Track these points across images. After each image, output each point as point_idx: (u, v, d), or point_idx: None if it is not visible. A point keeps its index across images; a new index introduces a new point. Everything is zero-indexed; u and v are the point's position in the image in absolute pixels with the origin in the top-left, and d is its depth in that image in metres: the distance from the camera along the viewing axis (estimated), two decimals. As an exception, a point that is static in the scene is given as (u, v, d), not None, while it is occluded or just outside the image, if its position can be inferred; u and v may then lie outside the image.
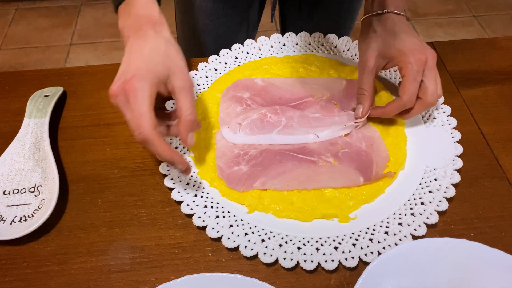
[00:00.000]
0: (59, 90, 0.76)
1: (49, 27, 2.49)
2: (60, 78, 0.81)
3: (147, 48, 0.56)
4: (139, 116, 0.53)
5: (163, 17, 0.60)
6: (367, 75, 0.67)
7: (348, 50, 0.83)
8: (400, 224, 0.59)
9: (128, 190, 0.65)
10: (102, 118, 0.75)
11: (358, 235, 0.59)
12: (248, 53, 0.82)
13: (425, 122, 0.71)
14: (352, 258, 0.56)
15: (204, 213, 0.61)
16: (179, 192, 0.63)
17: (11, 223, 0.59)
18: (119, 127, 0.73)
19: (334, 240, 0.58)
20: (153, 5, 0.60)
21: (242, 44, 0.83)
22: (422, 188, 0.63)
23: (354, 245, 0.58)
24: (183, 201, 0.62)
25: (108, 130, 0.73)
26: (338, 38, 0.83)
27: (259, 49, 0.83)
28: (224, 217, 0.60)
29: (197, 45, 0.98)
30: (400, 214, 0.60)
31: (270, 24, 1.07)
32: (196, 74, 0.78)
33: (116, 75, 0.56)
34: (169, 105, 0.74)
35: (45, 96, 0.75)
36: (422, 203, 0.61)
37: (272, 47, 0.83)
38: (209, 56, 0.81)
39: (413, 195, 0.62)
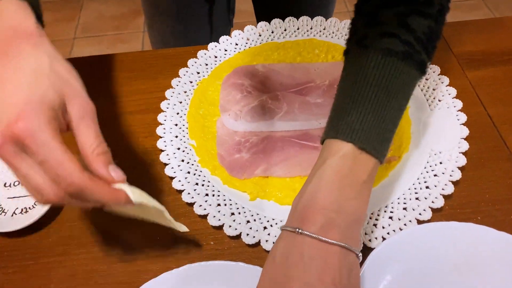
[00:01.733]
0: None
1: (52, 21, 2.48)
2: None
3: (27, 69, 0.41)
4: (57, 165, 0.39)
5: (42, 29, 0.45)
6: None
7: (350, 33, 0.81)
8: (404, 208, 0.58)
9: (129, 180, 0.64)
10: (102, 110, 0.72)
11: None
12: (248, 39, 0.81)
13: (429, 105, 0.69)
14: (356, 244, 0.55)
15: (205, 201, 0.60)
16: (180, 181, 0.62)
17: (12, 215, 0.59)
18: (121, 117, 0.72)
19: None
20: (25, 13, 0.44)
21: (242, 30, 0.82)
22: (427, 172, 0.62)
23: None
24: (184, 189, 0.61)
25: (110, 121, 0.72)
26: (340, 22, 0.82)
27: (260, 35, 0.81)
28: (225, 205, 0.60)
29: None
30: (404, 198, 0.59)
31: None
32: (195, 62, 0.77)
33: None
34: (164, 105, 0.72)
35: None
36: (427, 187, 0.60)
37: (272, 32, 0.82)
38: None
39: (417, 179, 0.61)
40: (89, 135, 0.43)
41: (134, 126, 0.71)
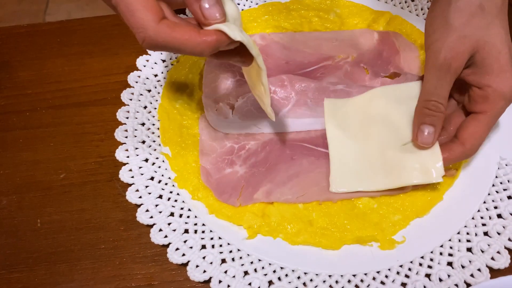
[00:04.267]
0: None
1: (24, -29, 2.22)
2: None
3: None
4: (126, 11, 0.32)
5: None
6: (448, 77, 0.42)
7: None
8: (469, 250, 0.41)
9: (78, 204, 0.47)
10: (44, 99, 0.54)
11: (409, 269, 0.41)
12: None
13: None
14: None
15: (184, 242, 0.42)
16: (147, 210, 0.44)
17: None
18: (67, 111, 0.53)
19: (374, 279, 0.40)
20: None
21: None
22: (497, 192, 0.44)
23: (404, 285, 0.40)
24: (154, 224, 0.43)
25: (52, 116, 0.53)
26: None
27: None
28: (213, 247, 0.42)
29: None
30: (468, 233, 0.42)
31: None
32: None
33: None
34: (125, 96, 0.53)
35: None
36: (499, 216, 0.43)
37: None
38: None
39: (484, 202, 0.44)
40: None
41: (86, 123, 0.52)
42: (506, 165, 0.45)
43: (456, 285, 0.39)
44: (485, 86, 0.41)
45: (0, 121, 0.53)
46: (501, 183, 0.45)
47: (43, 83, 0.55)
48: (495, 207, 0.43)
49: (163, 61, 0.55)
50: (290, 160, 0.46)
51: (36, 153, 0.50)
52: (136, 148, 0.48)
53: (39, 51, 0.58)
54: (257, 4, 0.60)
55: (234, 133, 0.49)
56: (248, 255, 0.42)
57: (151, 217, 0.44)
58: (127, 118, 0.50)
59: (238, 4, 0.60)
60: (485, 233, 0.42)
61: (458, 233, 0.42)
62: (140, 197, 0.45)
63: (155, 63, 0.55)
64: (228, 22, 0.34)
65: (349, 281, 0.40)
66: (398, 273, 0.40)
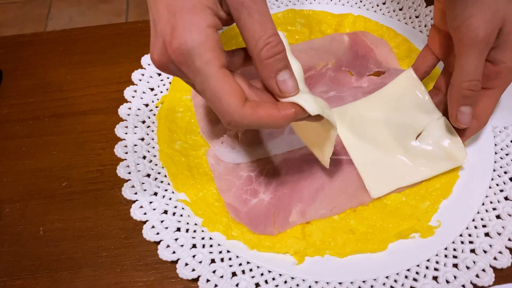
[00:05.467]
0: None
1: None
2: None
3: None
4: (215, 100, 0.32)
5: None
6: (477, 52, 0.41)
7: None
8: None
9: (80, 212, 0.46)
10: (46, 107, 0.54)
11: (454, 249, 0.42)
12: None
13: None
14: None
15: (236, 285, 0.41)
16: (187, 264, 0.42)
17: None
18: (70, 119, 0.53)
19: (427, 267, 0.41)
20: None
21: None
22: (501, 158, 0.47)
23: (456, 265, 0.41)
24: (200, 276, 0.41)
25: (55, 124, 0.53)
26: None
27: None
28: (266, 282, 0.41)
29: None
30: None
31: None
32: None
33: (151, 32, 0.34)
34: (123, 111, 0.52)
35: None
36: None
37: None
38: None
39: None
40: (251, 29, 0.32)
41: (88, 132, 0.52)
42: (499, 132, 0.49)
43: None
44: (500, 62, 0.42)
45: (3, 129, 0.53)
46: (501, 149, 0.47)
47: (45, 92, 0.55)
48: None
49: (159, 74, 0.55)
50: (310, 175, 0.46)
51: (38, 161, 0.50)
52: (143, 183, 0.46)
53: (42, 60, 0.58)
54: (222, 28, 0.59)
55: (246, 162, 0.47)
56: (303, 280, 0.41)
57: (193, 270, 0.41)
58: (126, 133, 0.50)
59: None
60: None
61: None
62: (174, 252, 0.42)
63: (151, 77, 0.55)
64: (301, 92, 0.35)
65: (406, 277, 0.41)
66: (446, 256, 0.42)
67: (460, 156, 0.45)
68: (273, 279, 0.41)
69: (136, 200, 0.45)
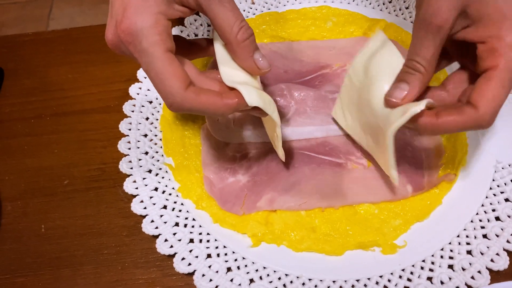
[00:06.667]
0: None
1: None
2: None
3: None
4: (158, 81, 0.34)
5: None
6: (431, 36, 0.37)
7: (373, -3, 0.61)
8: (469, 252, 0.42)
9: (82, 210, 0.47)
10: (48, 106, 0.55)
11: (411, 273, 0.41)
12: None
13: None
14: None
15: (190, 251, 0.43)
16: (152, 221, 0.44)
17: None
18: (71, 118, 0.54)
19: (377, 283, 0.41)
20: None
21: None
22: (494, 194, 0.45)
23: (451, 266, 0.41)
24: (160, 234, 0.44)
25: (56, 123, 0.54)
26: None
27: (253, 3, 0.61)
28: (218, 255, 0.43)
29: None
30: (467, 236, 0.43)
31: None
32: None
33: (108, 14, 0.36)
34: (127, 108, 0.53)
35: None
36: (497, 218, 0.44)
37: None
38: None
39: (482, 206, 0.44)
40: (225, 16, 0.35)
41: (89, 131, 0.53)
42: (502, 168, 0.46)
43: (458, 287, 0.40)
44: (488, 38, 0.36)
45: (5, 128, 0.53)
46: (498, 186, 0.45)
47: (47, 91, 0.56)
48: (493, 210, 0.44)
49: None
50: (292, 168, 0.47)
51: (40, 160, 0.51)
52: (140, 160, 0.48)
53: (44, 59, 0.59)
54: (254, 14, 0.60)
55: (235, 143, 0.49)
56: (253, 263, 0.42)
57: (156, 227, 0.44)
58: (130, 130, 0.51)
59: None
60: (484, 236, 0.43)
61: (458, 236, 0.43)
62: (145, 208, 0.45)
63: (148, 89, 0.55)
64: (247, 85, 0.37)
65: (352, 286, 0.41)
66: (400, 277, 0.41)
67: (415, 107, 0.37)
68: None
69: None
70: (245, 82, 0.38)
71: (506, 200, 0.45)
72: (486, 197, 0.45)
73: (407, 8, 0.59)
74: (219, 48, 0.39)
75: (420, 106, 0.35)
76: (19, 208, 0.48)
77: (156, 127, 0.51)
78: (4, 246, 0.45)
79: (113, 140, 0.50)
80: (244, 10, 0.61)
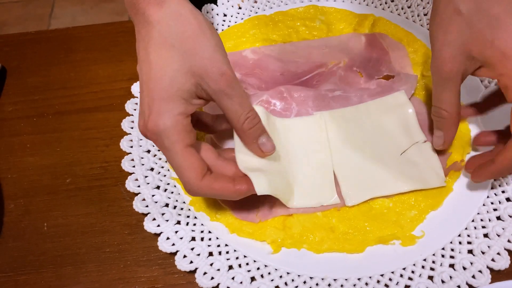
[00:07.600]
0: None
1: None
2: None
3: (153, 50, 0.39)
4: (178, 172, 0.39)
5: None
6: (445, 82, 0.42)
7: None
8: (470, 251, 0.42)
9: (84, 208, 0.48)
10: (50, 104, 0.55)
11: (433, 262, 0.42)
12: (225, 15, 0.60)
13: (486, 87, 0.52)
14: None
15: (211, 265, 0.42)
16: (168, 238, 0.44)
17: None
18: (73, 116, 0.54)
19: (401, 276, 0.41)
20: None
21: (215, 3, 0.61)
22: (495, 194, 0.45)
23: (431, 278, 0.41)
24: (178, 251, 0.43)
25: (58, 121, 0.54)
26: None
27: (239, 7, 0.61)
28: (240, 266, 0.42)
29: None
30: (468, 236, 0.43)
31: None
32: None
33: (139, 107, 0.40)
34: (129, 106, 0.53)
35: None
36: (498, 218, 0.43)
37: (256, 1, 0.61)
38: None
39: (484, 205, 0.44)
40: (236, 109, 0.40)
41: (92, 129, 0.53)
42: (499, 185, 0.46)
43: (458, 286, 0.40)
44: (499, 76, 0.39)
45: (8, 126, 0.54)
46: (499, 185, 0.45)
47: (49, 89, 0.56)
48: (495, 209, 0.44)
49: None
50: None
51: (42, 158, 0.51)
52: (142, 158, 0.48)
53: (46, 57, 0.59)
54: (242, 19, 0.60)
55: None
56: (276, 269, 0.42)
57: (173, 244, 0.43)
58: (132, 128, 0.51)
59: (224, 21, 0.60)
60: (485, 235, 0.43)
61: (459, 235, 0.43)
62: (158, 225, 0.44)
63: None
64: (261, 171, 0.41)
65: (378, 281, 0.41)
66: (423, 267, 0.41)
67: (435, 181, 0.45)
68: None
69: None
70: (259, 168, 0.41)
71: (508, 199, 0.44)
72: (488, 197, 0.45)
73: (392, 1, 0.59)
74: (236, 135, 0.42)
75: None
76: (21, 206, 0.48)
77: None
78: (6, 244, 0.46)
79: (115, 138, 0.51)
80: (232, 16, 0.60)
